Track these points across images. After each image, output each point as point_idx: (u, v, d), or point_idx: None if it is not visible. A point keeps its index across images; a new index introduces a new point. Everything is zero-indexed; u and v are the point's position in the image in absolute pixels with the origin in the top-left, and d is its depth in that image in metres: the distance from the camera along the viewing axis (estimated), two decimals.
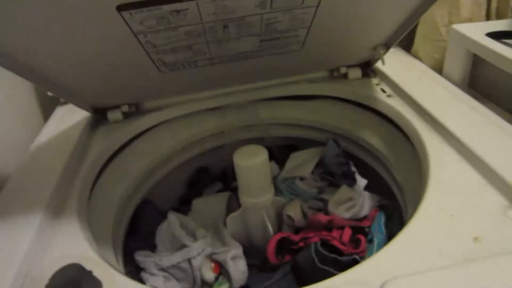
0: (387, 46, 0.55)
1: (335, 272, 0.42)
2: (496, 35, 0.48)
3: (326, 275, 0.34)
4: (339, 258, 0.47)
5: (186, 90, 0.62)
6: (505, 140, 0.43)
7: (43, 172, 0.48)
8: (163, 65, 0.51)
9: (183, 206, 0.72)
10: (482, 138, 0.43)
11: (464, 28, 0.51)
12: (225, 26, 0.44)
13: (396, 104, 0.54)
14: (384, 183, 0.60)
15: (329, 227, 0.53)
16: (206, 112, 0.66)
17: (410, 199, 0.51)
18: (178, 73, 0.54)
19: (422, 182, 0.45)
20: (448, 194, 0.39)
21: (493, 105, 0.52)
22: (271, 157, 0.73)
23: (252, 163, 0.49)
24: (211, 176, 0.74)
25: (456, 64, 0.54)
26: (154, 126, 0.63)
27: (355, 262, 0.49)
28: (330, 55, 0.59)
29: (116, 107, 0.61)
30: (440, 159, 0.43)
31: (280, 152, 0.74)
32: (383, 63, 0.57)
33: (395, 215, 0.59)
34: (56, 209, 0.44)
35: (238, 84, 0.62)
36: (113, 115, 0.60)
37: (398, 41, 0.53)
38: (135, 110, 0.61)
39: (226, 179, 0.77)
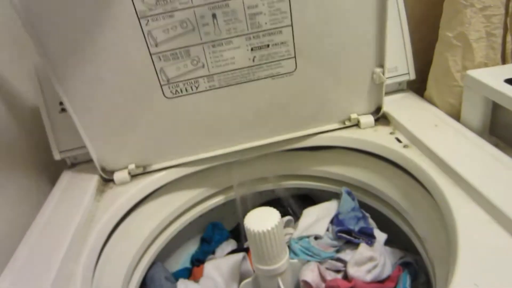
0: (381, 66, 0.56)
1: None
2: None
3: None
4: None
5: (193, 149, 0.60)
6: None
7: (48, 247, 0.46)
8: (166, 82, 0.53)
9: (195, 266, 0.69)
10: (511, 194, 0.40)
11: (481, 75, 0.49)
12: (214, 15, 0.50)
13: (413, 156, 0.51)
14: (404, 236, 0.56)
15: None
16: (214, 168, 0.64)
17: (435, 253, 0.47)
18: (183, 109, 0.56)
19: (448, 244, 0.42)
20: (481, 264, 0.35)
21: None
22: (285, 211, 0.71)
23: (263, 229, 0.46)
24: (223, 231, 0.72)
25: (475, 111, 0.51)
26: (162, 186, 0.62)
27: None
28: (331, 91, 0.58)
29: (123, 168, 0.60)
30: (467, 219, 0.40)
31: (293, 203, 0.71)
32: (384, 80, 0.56)
33: (420, 273, 0.55)
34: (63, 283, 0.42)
35: (248, 142, 0.60)
36: (120, 177, 0.59)
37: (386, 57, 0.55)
38: (142, 171, 0.60)
39: (239, 234, 0.74)
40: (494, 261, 0.35)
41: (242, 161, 0.64)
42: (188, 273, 0.69)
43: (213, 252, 0.69)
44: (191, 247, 0.74)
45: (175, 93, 0.55)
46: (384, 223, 0.61)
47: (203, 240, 0.73)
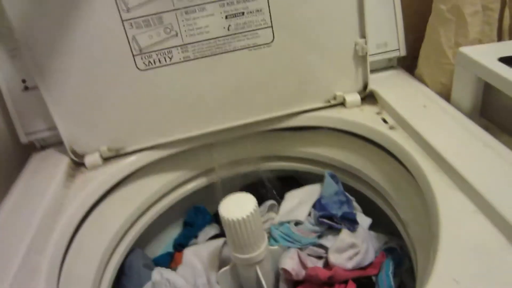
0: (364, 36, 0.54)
1: None
2: (511, 61, 0.42)
3: None
4: None
5: (169, 130, 0.57)
6: None
7: (11, 239, 0.44)
8: (139, 52, 0.50)
9: (178, 250, 0.67)
10: (500, 185, 0.37)
11: (474, 52, 0.45)
12: None
13: (399, 138, 0.48)
14: (389, 220, 0.54)
15: (330, 282, 0.47)
16: (193, 150, 0.61)
17: (417, 240, 0.45)
18: (157, 83, 0.53)
19: (430, 234, 0.40)
20: (463, 257, 0.33)
21: (507, 137, 0.46)
22: (269, 193, 0.68)
23: (238, 217, 0.43)
24: (206, 215, 0.69)
25: (466, 92, 0.48)
26: (137, 169, 0.59)
27: None
28: (313, 65, 0.55)
29: (94, 151, 0.56)
30: (451, 209, 0.37)
31: (277, 185, 0.69)
32: (367, 50, 0.53)
33: (404, 258, 0.53)
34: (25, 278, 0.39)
35: (227, 122, 0.57)
36: (91, 160, 0.56)
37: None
38: (115, 154, 0.57)
39: None
40: (476, 255, 0.33)
41: (223, 142, 0.61)
42: (170, 258, 0.67)
43: (195, 237, 0.67)
44: (174, 231, 0.72)
45: (148, 65, 0.52)
46: (370, 207, 0.59)
47: (186, 224, 0.71)
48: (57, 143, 0.58)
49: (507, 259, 0.32)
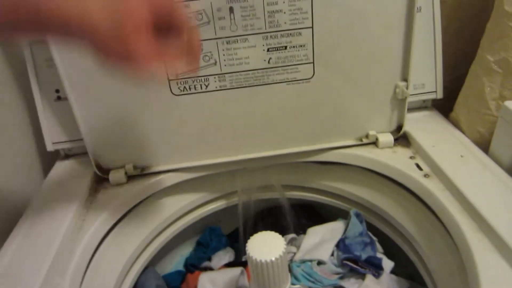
0: (405, 79, 0.53)
1: None
2: None
3: None
4: None
5: (197, 154, 0.56)
6: None
7: (32, 258, 0.43)
8: (175, 77, 0.50)
9: (189, 271, 0.66)
10: None
11: None
12: (231, 9, 0.47)
13: (435, 189, 0.47)
14: (410, 262, 0.53)
15: None
16: (217, 173, 0.60)
17: None
18: (190, 108, 0.52)
19: None
20: None
21: None
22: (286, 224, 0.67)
23: (267, 259, 0.42)
24: (222, 238, 0.68)
25: (507, 146, 0.47)
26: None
27: None
28: (350, 103, 0.54)
29: (120, 167, 0.56)
30: (494, 279, 0.36)
31: (297, 213, 0.68)
32: (408, 95, 0.52)
33: None
34: None
35: (256, 152, 0.56)
36: (115, 177, 0.55)
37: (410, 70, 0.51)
38: (140, 173, 0.56)
39: (236, 240, 0.71)
40: None
41: (248, 168, 0.60)
42: (181, 277, 0.66)
43: (209, 259, 0.66)
44: (186, 249, 0.71)
45: (183, 90, 0.51)
46: (389, 246, 0.57)
47: (199, 244, 0.70)
48: (82, 154, 0.58)
49: None
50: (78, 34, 0.29)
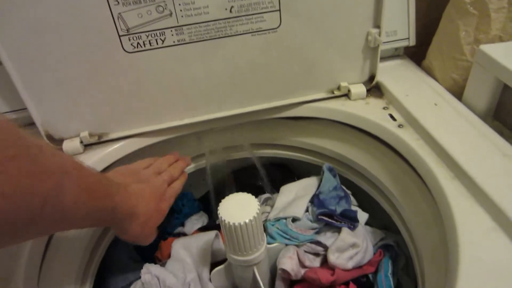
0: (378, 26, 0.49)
1: None
2: None
3: None
4: None
5: (158, 117, 0.51)
6: None
7: None
8: (126, 32, 0.44)
9: (162, 238, 0.63)
10: None
11: (495, 51, 0.43)
12: None
13: (409, 139, 0.46)
14: (383, 213, 0.53)
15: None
16: (182, 135, 0.56)
17: (423, 244, 0.44)
18: (146, 67, 0.47)
19: (444, 245, 0.38)
20: (484, 281, 0.32)
21: None
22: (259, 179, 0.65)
23: (241, 221, 0.40)
24: (194, 203, 0.66)
25: (481, 92, 0.45)
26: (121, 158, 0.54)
27: None
28: (320, 53, 0.51)
29: (74, 136, 0.51)
30: (470, 225, 0.36)
31: (269, 172, 0.66)
32: (380, 42, 0.50)
33: (400, 255, 0.53)
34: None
35: (223, 111, 0.52)
36: (70, 147, 0.50)
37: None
38: (98, 140, 0.51)
39: (209, 204, 0.69)
40: (497, 279, 0.32)
41: (214, 128, 0.57)
42: (155, 246, 0.64)
43: (182, 224, 0.64)
44: None
45: (137, 47, 0.46)
46: (363, 199, 0.57)
47: (171, 210, 0.67)
48: (30, 124, 0.52)
49: None
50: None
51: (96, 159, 0.50)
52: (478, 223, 0.36)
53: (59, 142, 0.50)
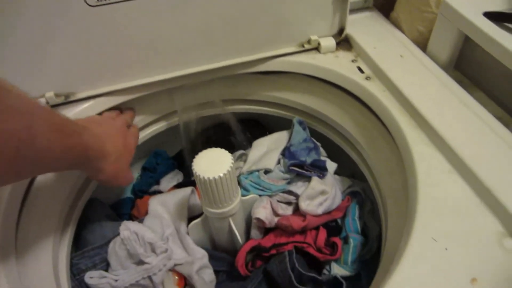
0: None
1: None
2: (495, 16, 0.41)
3: None
4: (319, 277, 0.43)
5: (126, 74, 0.50)
6: (500, 149, 0.38)
7: None
8: None
9: (138, 197, 0.64)
10: (475, 144, 0.39)
11: (459, 4, 0.44)
12: None
13: (376, 91, 0.48)
14: (353, 164, 0.56)
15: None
16: (153, 93, 0.55)
17: (387, 189, 0.47)
18: (111, 21, 0.45)
19: (406, 189, 0.42)
20: (441, 216, 0.35)
21: (481, 93, 0.47)
22: (232, 141, 0.66)
23: (215, 175, 0.41)
24: (168, 161, 0.66)
25: (444, 43, 0.47)
26: None
27: (335, 280, 0.46)
28: (289, 5, 0.50)
29: (39, 97, 0.49)
30: (429, 168, 0.39)
31: (242, 129, 0.67)
32: None
33: (366, 201, 0.56)
34: None
35: (192, 67, 0.51)
36: None
37: None
38: (64, 101, 0.50)
39: (183, 161, 0.70)
40: (452, 215, 0.35)
41: (186, 85, 0.56)
42: (130, 204, 0.65)
43: (157, 183, 0.65)
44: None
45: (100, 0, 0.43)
46: (332, 150, 0.60)
47: (145, 169, 0.68)
48: None
49: (480, 218, 0.35)
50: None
51: None
52: (436, 166, 0.39)
53: None
